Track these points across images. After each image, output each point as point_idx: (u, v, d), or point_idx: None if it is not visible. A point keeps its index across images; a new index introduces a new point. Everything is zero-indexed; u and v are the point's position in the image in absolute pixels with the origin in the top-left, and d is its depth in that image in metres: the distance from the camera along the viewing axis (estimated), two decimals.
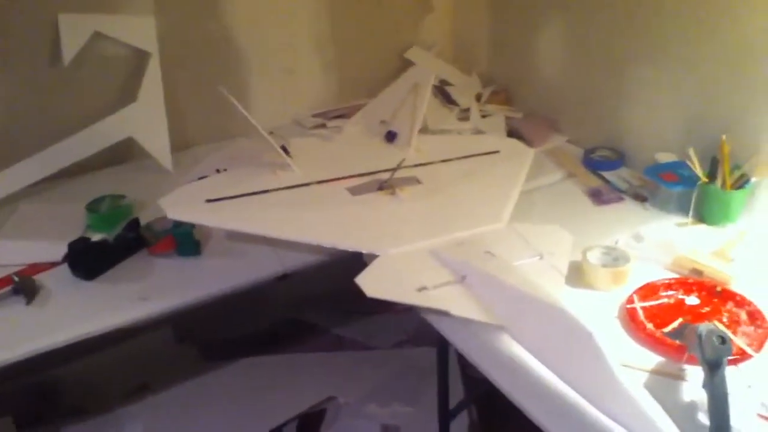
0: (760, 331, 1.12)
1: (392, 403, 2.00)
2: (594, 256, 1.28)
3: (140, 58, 1.84)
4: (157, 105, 1.82)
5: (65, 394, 2.04)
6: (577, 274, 1.29)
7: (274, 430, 1.94)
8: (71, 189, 1.81)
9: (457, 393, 1.90)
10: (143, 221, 1.52)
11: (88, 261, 1.40)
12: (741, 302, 1.19)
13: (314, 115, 2.15)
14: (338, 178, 1.53)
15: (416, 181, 1.54)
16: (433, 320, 1.21)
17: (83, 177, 1.86)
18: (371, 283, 1.16)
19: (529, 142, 1.82)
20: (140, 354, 2.13)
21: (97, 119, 1.78)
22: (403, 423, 1.96)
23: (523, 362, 1.08)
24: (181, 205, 1.38)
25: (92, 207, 1.60)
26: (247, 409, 2.00)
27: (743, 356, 1.06)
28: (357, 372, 2.13)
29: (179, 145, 1.95)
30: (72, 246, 1.41)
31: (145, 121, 1.82)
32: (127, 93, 1.85)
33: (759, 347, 1.08)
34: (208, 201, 1.41)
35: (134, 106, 1.80)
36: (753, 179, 1.42)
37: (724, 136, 1.41)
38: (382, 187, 1.50)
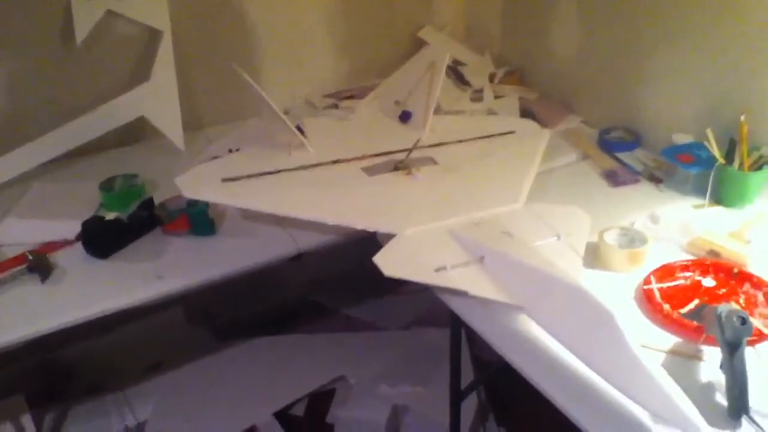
0: None
1: (402, 383, 2.01)
2: (611, 237, 1.28)
3: (152, 36, 1.83)
4: (170, 84, 1.81)
5: (77, 373, 2.05)
6: (593, 256, 1.29)
7: (283, 409, 1.96)
8: (84, 168, 1.80)
9: (466, 374, 1.90)
10: (156, 200, 1.52)
11: (102, 239, 1.41)
12: (758, 284, 1.19)
13: (326, 96, 2.14)
14: (353, 158, 1.52)
15: (432, 161, 1.53)
16: (449, 301, 1.21)
17: (96, 156, 1.86)
18: (389, 263, 1.15)
19: (543, 123, 1.81)
20: (152, 333, 2.14)
21: (109, 98, 1.77)
22: (412, 403, 1.97)
23: (541, 343, 1.08)
24: (197, 184, 1.37)
25: (106, 186, 1.60)
26: (258, 388, 2.01)
27: (761, 337, 1.06)
28: (367, 352, 2.14)
29: (191, 125, 1.95)
30: (86, 224, 1.42)
31: (158, 100, 1.81)
32: (140, 72, 1.84)
33: None
34: (224, 180, 1.40)
35: (147, 85, 1.79)
36: None
37: (743, 117, 1.39)
38: (397, 167, 1.50)
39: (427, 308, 2.29)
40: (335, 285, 2.38)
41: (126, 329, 2.07)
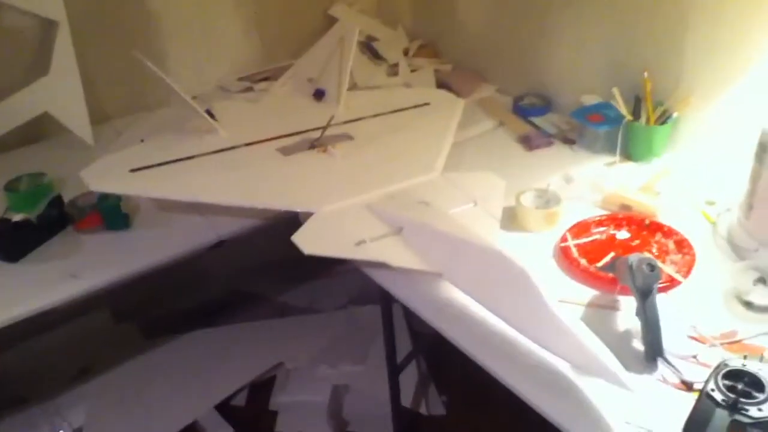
0: (687, 258, 1.16)
1: (341, 363, 2.01)
2: (527, 200, 1.30)
3: (48, 27, 1.73)
4: (72, 76, 1.73)
5: (1, 384, 1.96)
6: (511, 219, 1.31)
7: (224, 401, 1.93)
8: None
9: (404, 347, 1.92)
10: (67, 198, 1.46)
11: (10, 242, 1.34)
12: (668, 233, 1.24)
13: (240, 79, 2.08)
14: (268, 139, 1.49)
15: (348, 137, 1.52)
16: (373, 275, 1.21)
17: None
18: (308, 241, 1.14)
19: (458, 94, 1.82)
20: (78, 338, 2.06)
21: (6, 95, 1.68)
22: (353, 381, 1.97)
23: (463, 307, 1.10)
24: (104, 177, 1.32)
25: (11, 186, 1.52)
26: (194, 383, 1.97)
27: (672, 283, 1.11)
28: (302, 336, 2.13)
29: (97, 118, 1.86)
30: None
31: (60, 94, 1.73)
32: (38, 66, 1.75)
33: (687, 273, 1.12)
34: (133, 170, 1.35)
35: (47, 79, 1.70)
36: (675, 114, 1.45)
37: (645, 74, 1.44)
38: (313, 145, 1.48)
39: (361, 287, 2.28)
40: (263, 272, 2.35)
41: (51, 336, 1.99)
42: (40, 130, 1.83)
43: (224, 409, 1.92)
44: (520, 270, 0.94)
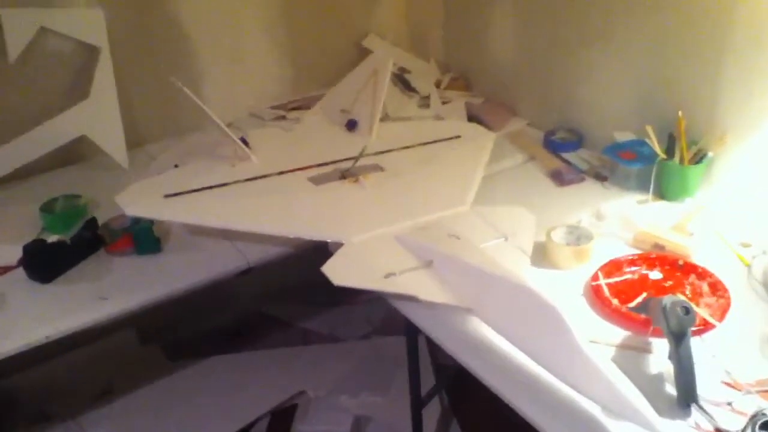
0: (721, 301, 1.14)
1: (363, 393, 2.00)
2: (558, 236, 1.29)
3: (90, 53, 1.78)
4: (110, 101, 1.78)
5: (25, 402, 1.98)
6: (541, 254, 1.30)
7: (244, 428, 1.92)
8: (24, 191, 1.75)
9: (427, 380, 1.90)
10: (100, 221, 1.48)
11: (44, 263, 1.37)
12: (702, 274, 1.21)
13: (273, 107, 2.12)
14: (299, 168, 1.50)
15: (379, 168, 1.53)
16: (401, 307, 1.21)
17: (35, 178, 1.81)
18: (338, 272, 1.14)
19: (489, 127, 1.82)
20: (103, 357, 2.09)
21: (47, 118, 1.72)
22: (374, 413, 1.95)
23: (492, 344, 1.08)
24: (138, 201, 1.34)
25: (46, 208, 1.56)
26: (216, 408, 1.97)
27: (707, 326, 1.08)
28: (325, 365, 2.12)
29: (133, 142, 1.90)
30: (27, 248, 1.37)
31: (99, 118, 1.78)
32: (78, 90, 1.80)
33: (721, 317, 1.10)
34: (167, 196, 1.37)
35: (86, 103, 1.75)
36: (709, 154, 1.44)
37: (680, 112, 1.43)
38: (344, 175, 1.49)
39: (384, 317, 2.28)
40: (288, 298, 2.36)
41: (76, 355, 2.02)
42: (76, 152, 1.88)
43: None
44: (551, 308, 0.93)
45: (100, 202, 1.62)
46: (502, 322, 1.04)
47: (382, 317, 2.27)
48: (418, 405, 1.69)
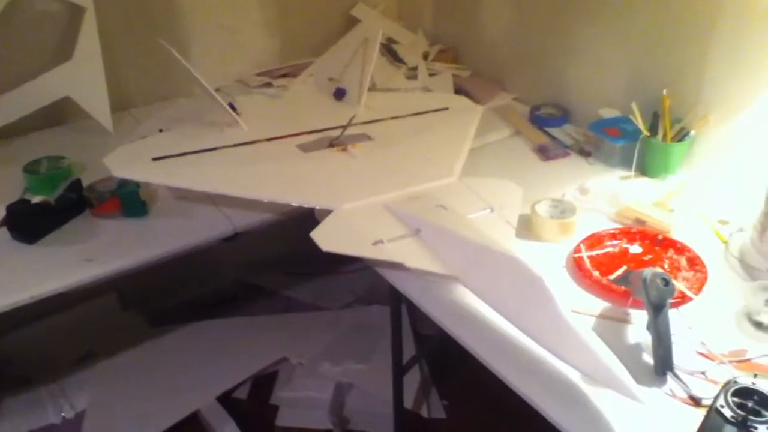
0: (699, 275, 1.17)
1: (345, 361, 2.02)
2: (542, 209, 1.31)
3: (74, 12, 1.75)
4: (95, 62, 1.75)
5: (7, 365, 1.98)
6: (526, 227, 1.32)
7: (226, 393, 1.94)
8: (7, 151, 1.73)
9: (408, 350, 1.93)
10: (85, 183, 1.47)
11: (28, 223, 1.35)
12: (681, 249, 1.24)
13: (259, 74, 2.10)
14: (288, 135, 1.50)
15: (367, 137, 1.53)
16: (388, 275, 1.22)
17: (19, 139, 1.78)
18: (326, 238, 1.15)
19: (476, 100, 1.83)
20: (85, 322, 2.08)
21: (30, 78, 1.69)
22: (356, 380, 1.98)
23: (476, 311, 1.11)
24: (126, 163, 1.33)
25: (30, 168, 1.54)
26: (198, 373, 1.98)
27: (684, 299, 1.11)
28: (308, 333, 2.14)
29: (118, 105, 1.88)
30: (11, 208, 1.36)
31: (83, 79, 1.75)
32: (63, 51, 1.76)
33: (698, 290, 1.13)
34: (155, 159, 1.37)
35: (70, 63, 1.72)
36: (692, 132, 1.46)
37: (665, 91, 1.45)
38: (333, 143, 1.49)
39: (368, 287, 2.30)
40: (272, 267, 2.36)
41: (58, 318, 2.01)
42: (60, 114, 1.85)
43: (226, 401, 1.93)
44: (536, 278, 0.95)
45: (85, 165, 1.60)
46: (488, 291, 1.06)
47: (365, 287, 2.29)
48: (399, 372, 1.72)
